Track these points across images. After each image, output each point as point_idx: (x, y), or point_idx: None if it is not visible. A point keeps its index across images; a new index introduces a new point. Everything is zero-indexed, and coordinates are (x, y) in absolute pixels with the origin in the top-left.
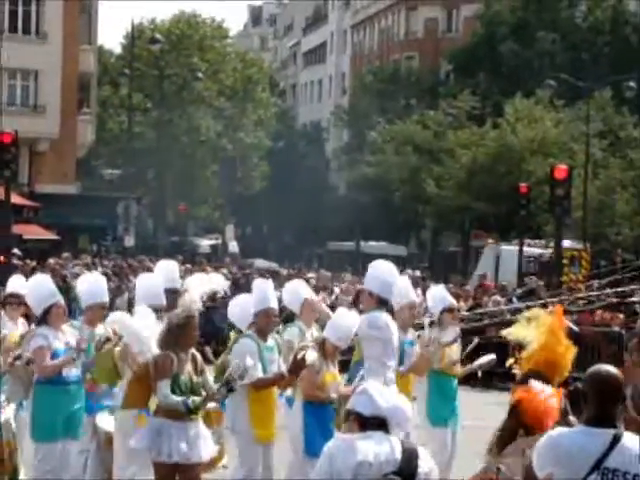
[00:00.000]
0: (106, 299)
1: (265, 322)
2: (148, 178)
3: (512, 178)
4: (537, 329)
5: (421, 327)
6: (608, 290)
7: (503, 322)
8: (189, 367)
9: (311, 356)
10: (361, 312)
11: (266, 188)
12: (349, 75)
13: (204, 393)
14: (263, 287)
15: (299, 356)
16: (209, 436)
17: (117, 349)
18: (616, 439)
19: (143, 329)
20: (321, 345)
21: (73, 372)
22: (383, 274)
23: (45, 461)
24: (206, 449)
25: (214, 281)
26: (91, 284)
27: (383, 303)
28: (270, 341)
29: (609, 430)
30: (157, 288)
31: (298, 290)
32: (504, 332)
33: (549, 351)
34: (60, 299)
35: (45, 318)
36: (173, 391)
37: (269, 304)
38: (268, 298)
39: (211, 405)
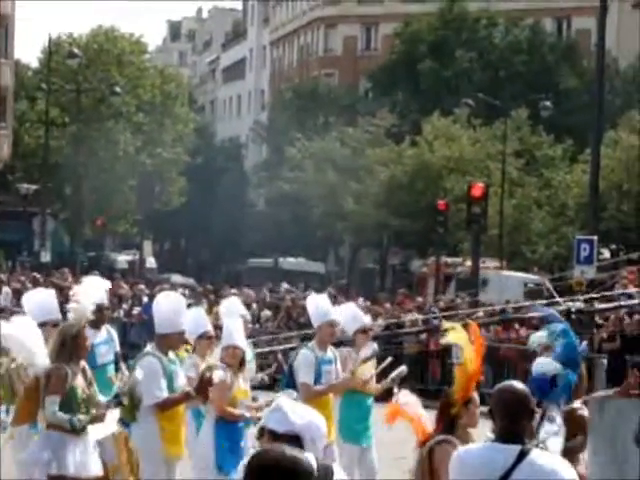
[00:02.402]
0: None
1: (326, 334)
2: (65, 193)
3: (430, 195)
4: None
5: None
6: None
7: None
8: (80, 380)
9: (219, 374)
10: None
11: (184, 204)
12: (268, 91)
13: (94, 410)
14: (321, 301)
15: (206, 376)
16: (96, 452)
17: (12, 366)
18: (522, 454)
19: (28, 339)
20: (225, 358)
21: None
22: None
23: None
24: (98, 464)
25: (96, 284)
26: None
27: None
28: (329, 353)
29: (515, 446)
30: (51, 303)
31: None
32: (442, 341)
33: (471, 369)
34: None
35: None
36: (69, 406)
37: (330, 316)
38: (327, 310)
39: (116, 428)
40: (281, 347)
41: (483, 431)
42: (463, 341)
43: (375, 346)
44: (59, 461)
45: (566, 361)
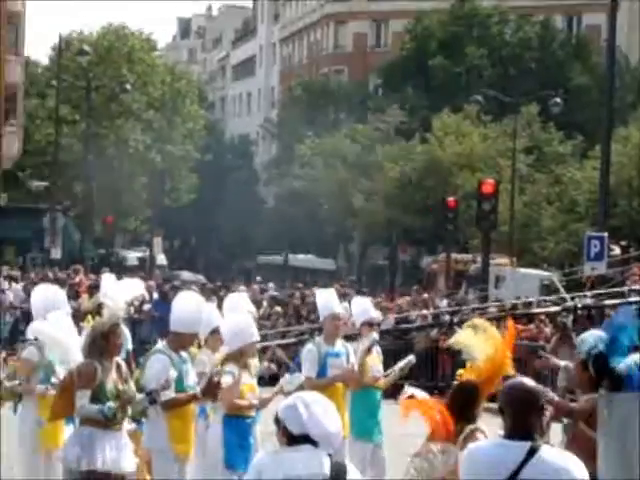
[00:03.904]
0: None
1: (331, 327)
2: (75, 190)
3: (440, 192)
4: (485, 341)
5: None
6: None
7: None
8: (114, 375)
9: (226, 380)
10: None
11: (194, 201)
12: (278, 88)
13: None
14: (326, 296)
15: (214, 379)
16: (132, 448)
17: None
18: (532, 451)
19: (64, 337)
20: (236, 356)
21: None
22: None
23: None
24: (132, 460)
25: (134, 286)
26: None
27: None
28: (338, 346)
29: (525, 443)
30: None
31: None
32: (451, 340)
33: (492, 365)
34: None
35: None
36: (98, 400)
37: (334, 309)
38: (332, 304)
39: (130, 427)
40: (278, 342)
41: (492, 428)
42: (473, 341)
43: (375, 335)
44: (89, 457)
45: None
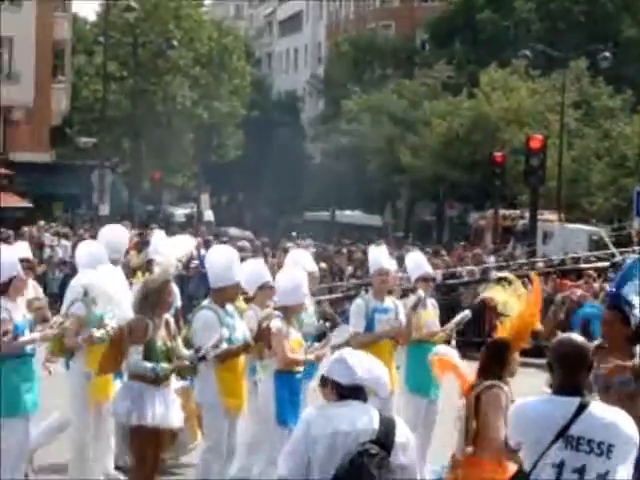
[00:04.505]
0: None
1: (377, 282)
2: (123, 147)
3: (487, 148)
4: (514, 296)
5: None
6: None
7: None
8: (163, 332)
9: (276, 324)
10: None
11: (241, 157)
12: (325, 44)
13: (176, 360)
14: (376, 251)
15: (263, 324)
16: (179, 404)
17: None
18: (582, 407)
19: (115, 291)
20: (282, 312)
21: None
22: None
23: (12, 435)
24: (179, 416)
25: (185, 242)
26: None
27: None
28: (387, 303)
29: (574, 398)
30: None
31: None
32: (487, 296)
33: (522, 320)
34: (21, 271)
35: (5, 289)
36: (149, 357)
37: (382, 265)
38: (380, 260)
39: (180, 383)
40: (326, 297)
41: (537, 383)
42: (502, 295)
43: (421, 293)
44: (139, 411)
45: None
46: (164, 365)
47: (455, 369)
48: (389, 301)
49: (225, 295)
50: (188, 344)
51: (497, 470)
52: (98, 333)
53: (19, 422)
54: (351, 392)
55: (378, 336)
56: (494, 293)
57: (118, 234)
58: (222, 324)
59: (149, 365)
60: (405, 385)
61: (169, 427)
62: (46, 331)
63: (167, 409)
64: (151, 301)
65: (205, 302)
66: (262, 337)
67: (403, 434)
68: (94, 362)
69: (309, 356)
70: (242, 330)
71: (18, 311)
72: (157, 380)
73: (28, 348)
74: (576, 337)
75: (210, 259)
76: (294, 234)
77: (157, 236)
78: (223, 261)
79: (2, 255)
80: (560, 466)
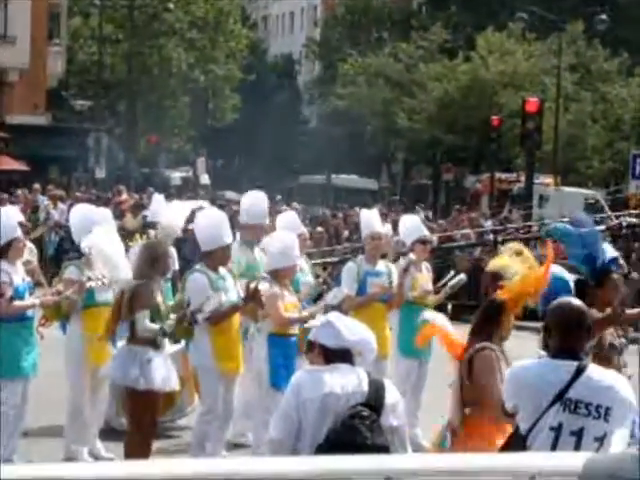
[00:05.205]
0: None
1: (370, 246)
2: (119, 110)
3: (484, 111)
4: (520, 262)
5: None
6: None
7: (468, 245)
8: (159, 295)
9: (264, 286)
10: None
11: (238, 121)
12: (321, 7)
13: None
14: (367, 215)
15: (252, 285)
16: (175, 366)
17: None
18: (580, 370)
19: (113, 253)
20: (274, 276)
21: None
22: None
23: (12, 397)
24: (176, 379)
25: (186, 208)
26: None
27: None
28: (380, 266)
29: (572, 362)
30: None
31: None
32: (489, 264)
33: (523, 283)
34: (21, 234)
35: (5, 252)
36: (154, 320)
37: (374, 229)
38: (373, 223)
39: (174, 347)
40: (321, 261)
41: (531, 345)
42: (508, 261)
43: (411, 256)
44: (146, 377)
45: None
46: (169, 322)
47: (445, 337)
48: (382, 265)
49: (215, 258)
50: (182, 308)
51: (496, 431)
52: (92, 283)
53: (19, 384)
54: (338, 355)
55: (370, 298)
56: (498, 260)
57: (260, 200)
58: (213, 287)
59: (156, 326)
60: (397, 347)
61: (171, 389)
62: (47, 297)
63: (168, 372)
64: (158, 265)
65: (197, 266)
66: (252, 297)
67: (392, 396)
68: (91, 326)
69: (304, 313)
70: (235, 292)
71: (18, 275)
72: (158, 344)
73: (29, 312)
74: (575, 301)
75: (198, 223)
76: (279, 197)
77: (157, 200)
78: (212, 224)
79: (2, 218)
80: (558, 429)
